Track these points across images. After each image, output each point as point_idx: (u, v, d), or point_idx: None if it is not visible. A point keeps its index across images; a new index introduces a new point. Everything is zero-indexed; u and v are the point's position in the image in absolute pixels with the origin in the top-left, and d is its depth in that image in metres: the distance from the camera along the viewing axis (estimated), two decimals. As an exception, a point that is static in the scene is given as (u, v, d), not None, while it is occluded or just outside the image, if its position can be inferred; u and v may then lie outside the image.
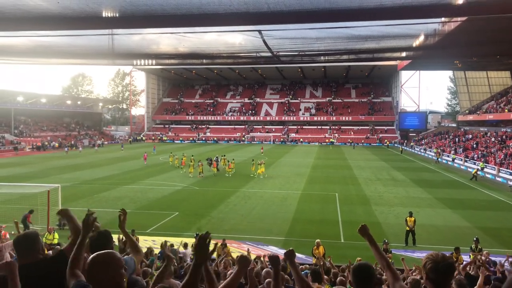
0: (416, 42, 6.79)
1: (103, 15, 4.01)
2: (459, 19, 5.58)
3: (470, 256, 15.31)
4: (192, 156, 43.88)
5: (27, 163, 50.36)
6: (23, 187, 27.77)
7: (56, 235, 16.84)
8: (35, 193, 23.83)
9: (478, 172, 40.98)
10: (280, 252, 17.04)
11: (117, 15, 3.96)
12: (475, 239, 15.97)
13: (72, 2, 3.73)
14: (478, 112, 69.10)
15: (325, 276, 9.35)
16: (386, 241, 15.81)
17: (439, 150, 61.86)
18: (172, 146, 76.32)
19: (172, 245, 14.92)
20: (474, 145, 57.76)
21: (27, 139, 75.36)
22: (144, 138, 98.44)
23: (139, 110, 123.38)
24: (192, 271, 2.80)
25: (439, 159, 56.88)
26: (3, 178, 35.70)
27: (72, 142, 79.63)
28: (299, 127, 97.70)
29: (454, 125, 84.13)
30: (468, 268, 10.23)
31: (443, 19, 5.69)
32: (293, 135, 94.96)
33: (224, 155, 46.03)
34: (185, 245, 15.04)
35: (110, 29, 5.08)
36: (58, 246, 11.55)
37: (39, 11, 4.09)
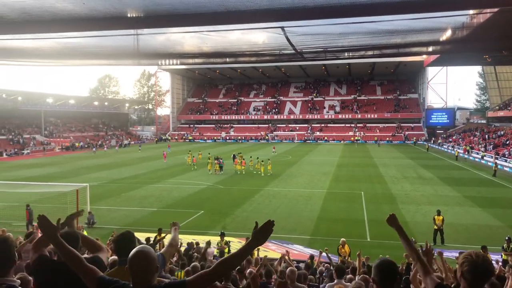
0: (443, 36, 6.62)
1: (128, 15, 4.07)
2: (488, 10, 5.40)
3: (502, 256, 14.89)
4: (209, 154, 46.12)
5: (57, 163, 51.71)
6: (53, 187, 28.51)
7: (85, 233, 17.21)
8: (65, 192, 24.45)
9: (499, 167, 40.20)
10: (306, 251, 16.96)
11: (141, 15, 4.00)
12: (507, 238, 15.47)
13: (97, 3, 3.79)
14: (509, 108, 67.05)
15: (351, 275, 9.23)
16: (414, 240, 15.49)
17: (467, 147, 60.39)
18: (191, 146, 76.95)
19: (197, 243, 15.05)
20: (506, 142, 56.07)
21: (57, 140, 77.37)
22: (169, 137, 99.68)
23: (165, 110, 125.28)
24: (244, 249, 2.89)
25: (458, 156, 55.49)
26: (34, 178, 36.76)
27: (100, 142, 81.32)
28: (323, 125, 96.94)
29: (483, 121, 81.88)
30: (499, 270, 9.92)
31: (472, 11, 5.52)
32: (317, 133, 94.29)
33: (240, 153, 46.73)
34: (208, 243, 15.11)
35: (134, 29, 5.16)
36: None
37: (65, 13, 4.17)
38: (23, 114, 78.89)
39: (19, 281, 3.17)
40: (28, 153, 66.24)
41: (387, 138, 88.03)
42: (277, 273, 8.41)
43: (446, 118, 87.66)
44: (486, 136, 64.73)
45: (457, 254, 14.59)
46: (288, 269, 7.85)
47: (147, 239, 14.44)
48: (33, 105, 78.24)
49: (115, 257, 7.47)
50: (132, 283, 2.79)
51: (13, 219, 20.58)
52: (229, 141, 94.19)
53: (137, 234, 9.13)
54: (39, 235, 4.21)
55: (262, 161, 40.68)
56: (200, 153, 51.60)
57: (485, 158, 52.70)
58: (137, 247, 2.86)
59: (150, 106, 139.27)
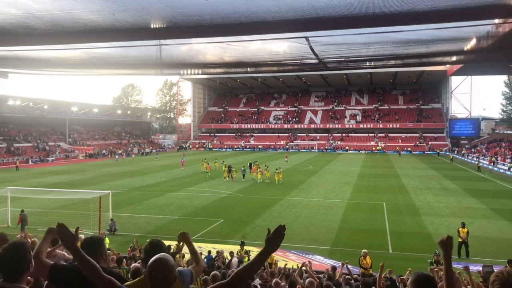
0: (468, 46, 6.54)
1: (155, 26, 4.17)
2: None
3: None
4: (223, 162, 47.96)
5: (80, 170, 52.68)
6: (76, 193, 29.04)
7: (107, 240, 17.44)
8: (87, 199, 24.86)
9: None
10: (326, 262, 16.78)
11: (168, 25, 4.09)
12: (535, 252, 15.00)
13: (127, 15, 3.89)
14: (536, 118, 65.26)
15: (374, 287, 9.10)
16: (438, 252, 15.17)
17: (492, 158, 58.97)
18: (209, 154, 77.31)
19: (218, 252, 15.08)
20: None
21: (81, 148, 78.91)
22: (190, 146, 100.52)
23: (186, 119, 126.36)
24: (259, 257, 2.98)
25: (480, 166, 54.19)
26: (59, 184, 37.51)
27: (121, 150, 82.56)
28: (344, 134, 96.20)
29: (510, 132, 79.85)
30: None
31: (497, 20, 5.46)
32: (338, 142, 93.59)
33: (256, 161, 47.89)
34: (231, 254, 15.13)
35: (161, 39, 5.27)
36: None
37: (95, 24, 4.30)
38: (49, 122, 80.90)
39: None
40: (53, 160, 67.71)
41: (408, 148, 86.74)
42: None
43: (470, 129, 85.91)
44: (513, 147, 63.09)
45: (480, 268, 14.22)
46: (307, 280, 7.78)
47: (168, 247, 14.53)
48: (58, 113, 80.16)
49: (137, 264, 7.55)
50: None
51: (38, 224, 21.01)
52: (246, 150, 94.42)
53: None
54: (31, 241, 4.26)
55: (277, 169, 41.37)
56: (216, 161, 53.07)
57: None
58: (156, 255, 2.87)
59: (172, 115, 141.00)
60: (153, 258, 2.84)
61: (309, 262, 12.35)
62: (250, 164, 46.63)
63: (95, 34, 4.59)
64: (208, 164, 47.47)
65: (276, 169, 41.32)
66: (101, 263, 3.68)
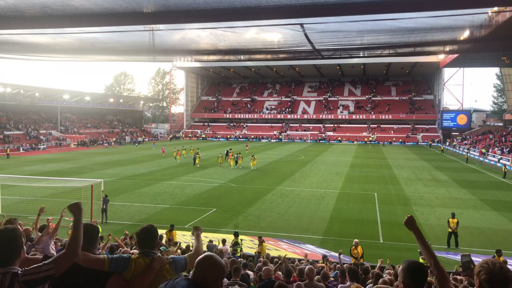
0: (463, 35, 6.51)
1: (148, 10, 4.08)
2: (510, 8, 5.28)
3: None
4: (198, 149, 51.56)
5: (72, 158, 52.34)
6: (68, 182, 28.87)
7: (100, 228, 17.38)
8: (79, 187, 24.73)
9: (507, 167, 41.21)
10: (318, 251, 16.90)
11: (161, 9, 4.01)
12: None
13: (119, -3, 3.80)
14: (527, 111, 65.83)
15: (364, 275, 9.18)
16: (429, 242, 15.32)
17: (483, 150, 59.50)
18: (198, 144, 77.10)
19: (211, 241, 15.12)
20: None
21: (72, 136, 78.33)
22: (183, 135, 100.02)
23: (179, 108, 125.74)
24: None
25: (468, 158, 54.80)
26: (50, 172, 37.26)
27: (112, 139, 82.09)
28: (336, 125, 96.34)
29: (500, 124, 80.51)
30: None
31: (491, 10, 5.43)
32: (330, 133, 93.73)
33: (231, 149, 51.52)
34: (224, 241, 15.16)
35: (154, 24, 5.18)
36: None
37: (86, 7, 4.20)
38: (40, 110, 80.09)
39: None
40: (45, 148, 67.19)
41: (400, 140, 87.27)
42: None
43: (462, 120, 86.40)
44: (503, 138, 63.68)
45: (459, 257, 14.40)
46: (307, 268, 7.83)
47: (160, 237, 14.55)
48: (50, 101, 79.32)
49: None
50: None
51: (29, 212, 20.88)
52: (231, 140, 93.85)
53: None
54: (23, 229, 4.25)
55: (252, 156, 44.70)
56: (191, 149, 55.78)
57: (501, 161, 51.86)
58: (206, 254, 2.99)
59: (165, 104, 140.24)
60: (204, 255, 2.96)
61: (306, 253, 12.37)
62: (227, 151, 49.86)
63: (86, 18, 4.49)
64: (179, 151, 50.05)
65: (252, 156, 44.78)
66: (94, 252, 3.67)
